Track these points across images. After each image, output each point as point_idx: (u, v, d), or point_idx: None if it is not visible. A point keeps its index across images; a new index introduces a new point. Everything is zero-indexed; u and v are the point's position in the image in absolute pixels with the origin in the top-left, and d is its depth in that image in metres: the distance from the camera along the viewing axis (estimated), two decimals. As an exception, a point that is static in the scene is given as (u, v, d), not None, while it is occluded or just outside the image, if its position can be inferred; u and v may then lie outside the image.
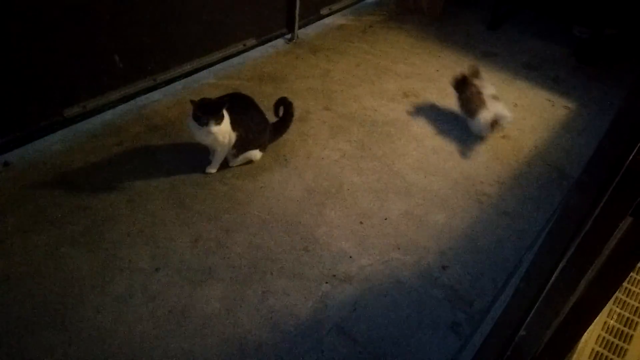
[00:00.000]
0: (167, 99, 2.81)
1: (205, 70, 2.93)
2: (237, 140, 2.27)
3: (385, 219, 2.25)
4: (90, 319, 1.74)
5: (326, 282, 1.96)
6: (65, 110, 2.41)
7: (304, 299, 1.89)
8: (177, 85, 2.85)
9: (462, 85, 2.82)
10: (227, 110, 2.17)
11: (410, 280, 2.00)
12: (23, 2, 2.07)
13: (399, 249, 2.12)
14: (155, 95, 2.79)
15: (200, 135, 2.17)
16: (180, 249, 2.01)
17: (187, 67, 2.85)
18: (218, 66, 3.04)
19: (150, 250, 1.99)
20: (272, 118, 2.48)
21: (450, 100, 3.08)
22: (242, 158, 2.37)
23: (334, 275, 1.98)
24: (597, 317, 1.21)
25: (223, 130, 2.17)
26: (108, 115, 2.61)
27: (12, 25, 2.07)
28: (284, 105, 2.48)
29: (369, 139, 2.70)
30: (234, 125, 2.22)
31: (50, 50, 2.24)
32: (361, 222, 2.22)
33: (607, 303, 1.03)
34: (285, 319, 1.82)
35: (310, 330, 1.79)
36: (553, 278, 0.98)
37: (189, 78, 2.87)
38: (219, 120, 2.11)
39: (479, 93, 2.75)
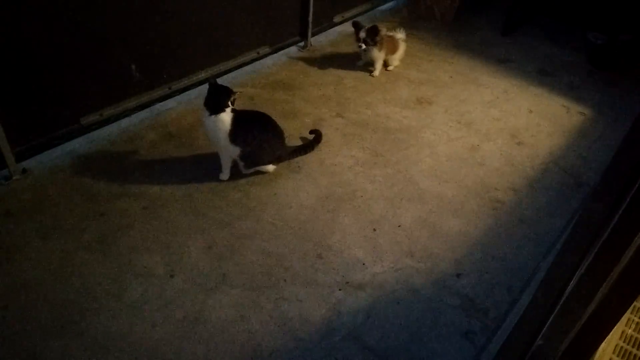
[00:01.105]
0: (182, 107, 2.84)
1: (218, 78, 2.96)
2: (241, 155, 2.29)
3: (399, 226, 2.24)
4: (106, 325, 1.76)
5: (339, 290, 1.95)
6: (83, 118, 2.45)
7: (317, 306, 1.89)
8: (192, 93, 2.88)
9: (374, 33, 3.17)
10: (235, 124, 2.22)
11: (424, 288, 1.99)
12: (42, 14, 2.11)
13: (412, 256, 2.11)
14: (170, 103, 2.83)
15: (205, 124, 2.27)
16: (195, 256, 2.03)
17: (202, 75, 2.89)
18: (232, 74, 3.07)
19: (165, 257, 2.01)
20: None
21: (464, 107, 3.07)
22: (253, 169, 2.40)
23: (347, 283, 1.98)
24: (615, 326, 1.19)
25: (218, 125, 2.21)
26: (124, 123, 2.65)
27: (31, 35, 2.12)
28: (315, 135, 2.61)
29: (382, 146, 2.70)
30: (238, 140, 2.25)
31: (68, 60, 2.28)
32: (374, 229, 2.22)
33: (625, 312, 1.01)
34: (298, 325, 1.82)
35: (324, 338, 1.79)
36: (570, 287, 0.97)
37: (203, 86, 2.90)
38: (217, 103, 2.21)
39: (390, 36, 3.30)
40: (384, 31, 3.22)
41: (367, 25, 3.14)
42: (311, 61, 3.39)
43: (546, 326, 1.07)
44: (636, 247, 0.87)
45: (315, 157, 2.57)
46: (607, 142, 2.89)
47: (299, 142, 2.61)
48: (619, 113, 3.16)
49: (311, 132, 2.65)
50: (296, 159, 2.53)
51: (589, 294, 0.94)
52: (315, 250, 2.09)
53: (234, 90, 2.24)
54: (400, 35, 3.32)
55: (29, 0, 2.04)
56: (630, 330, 1.70)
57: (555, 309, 1.02)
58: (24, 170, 2.31)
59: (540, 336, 1.10)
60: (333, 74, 3.27)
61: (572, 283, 0.96)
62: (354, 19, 3.32)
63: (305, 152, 2.55)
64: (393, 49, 3.29)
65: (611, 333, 1.35)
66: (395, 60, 3.35)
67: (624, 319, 1.72)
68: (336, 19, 3.73)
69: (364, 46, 3.13)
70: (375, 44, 3.14)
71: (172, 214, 2.19)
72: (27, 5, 2.05)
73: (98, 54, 2.38)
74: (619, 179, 0.84)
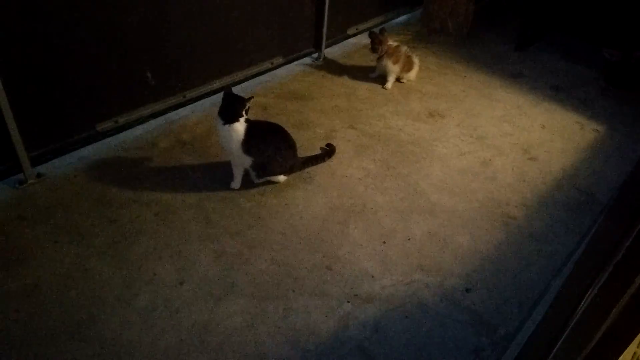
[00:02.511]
0: (196, 115, 2.87)
1: (233, 88, 2.99)
2: (254, 165, 2.31)
3: (409, 239, 2.23)
4: (116, 331, 1.76)
5: (348, 302, 1.95)
6: (98, 125, 2.48)
7: (325, 317, 1.88)
8: (206, 102, 2.91)
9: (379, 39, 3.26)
10: (248, 134, 2.23)
11: (432, 303, 1.98)
12: (58, 21, 2.15)
13: (422, 270, 2.10)
14: (184, 111, 2.86)
15: (219, 133, 2.29)
16: (204, 264, 2.03)
17: (216, 84, 2.92)
18: (246, 83, 3.10)
19: (175, 264, 2.02)
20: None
21: (477, 121, 3.07)
22: (264, 179, 2.41)
23: (356, 295, 1.97)
24: (628, 347, 1.17)
25: (231, 134, 2.23)
26: (139, 130, 2.68)
27: (47, 43, 2.16)
28: (329, 147, 2.65)
29: (393, 158, 2.70)
30: (251, 150, 2.26)
31: (84, 67, 2.32)
32: (384, 242, 2.21)
33: (639, 333, 1.00)
34: (306, 337, 1.81)
35: (331, 350, 1.78)
36: (583, 306, 0.96)
37: (217, 95, 2.93)
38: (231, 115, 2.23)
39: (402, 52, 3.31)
40: (404, 49, 3.27)
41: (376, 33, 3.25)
42: (324, 72, 3.41)
43: (557, 345, 1.06)
44: (651, 267, 0.86)
45: (327, 168, 2.58)
46: (621, 160, 2.86)
47: (311, 153, 2.62)
48: (633, 130, 3.13)
49: (326, 145, 2.68)
50: (307, 170, 2.54)
51: (602, 314, 0.93)
52: (324, 262, 2.09)
53: (247, 96, 2.26)
54: (416, 59, 3.37)
55: (44, 8, 2.09)
56: (643, 352, 1.67)
57: (567, 328, 1.01)
58: (39, 175, 2.34)
59: (550, 356, 1.09)
60: (346, 86, 3.29)
61: (585, 302, 0.95)
62: (381, 27, 3.35)
63: (317, 163, 2.56)
64: (408, 68, 3.34)
65: (623, 354, 1.33)
66: (410, 76, 3.39)
67: (636, 339, 1.69)
68: (350, 31, 3.75)
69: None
70: (375, 51, 3.22)
71: (183, 222, 2.20)
72: (43, 12, 2.09)
73: (115, 61, 2.42)
74: (634, 197, 0.83)
